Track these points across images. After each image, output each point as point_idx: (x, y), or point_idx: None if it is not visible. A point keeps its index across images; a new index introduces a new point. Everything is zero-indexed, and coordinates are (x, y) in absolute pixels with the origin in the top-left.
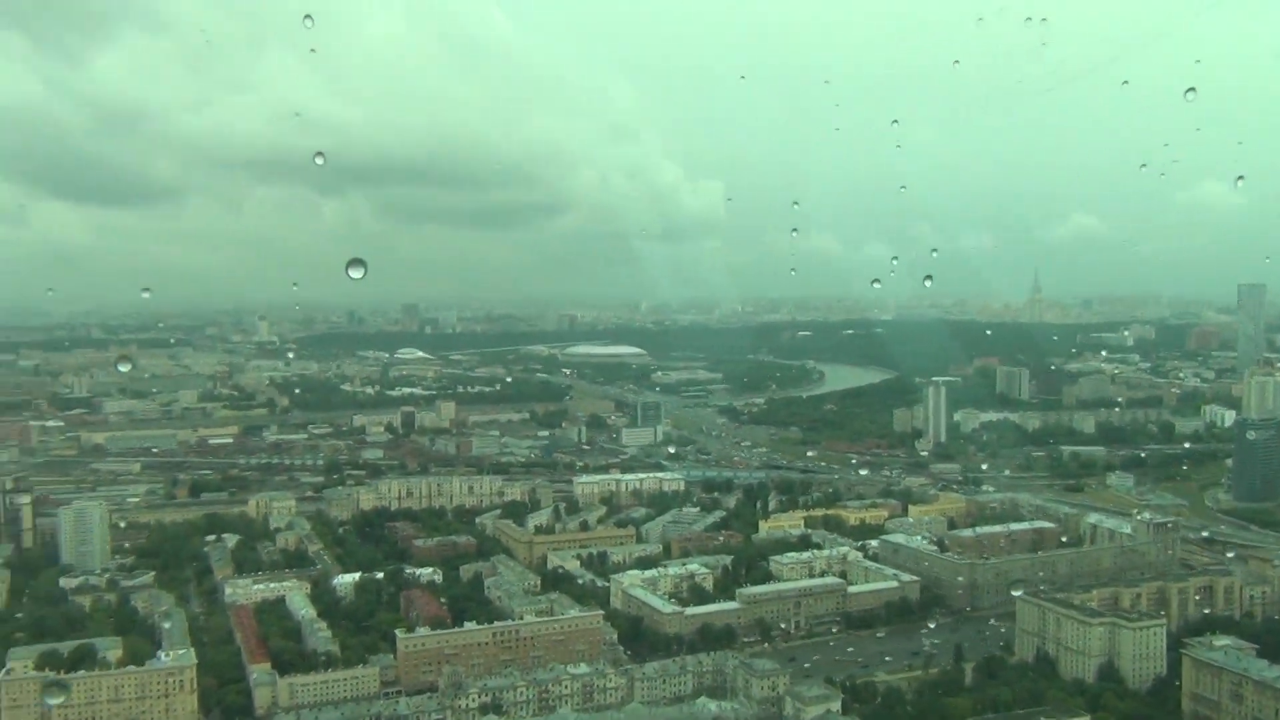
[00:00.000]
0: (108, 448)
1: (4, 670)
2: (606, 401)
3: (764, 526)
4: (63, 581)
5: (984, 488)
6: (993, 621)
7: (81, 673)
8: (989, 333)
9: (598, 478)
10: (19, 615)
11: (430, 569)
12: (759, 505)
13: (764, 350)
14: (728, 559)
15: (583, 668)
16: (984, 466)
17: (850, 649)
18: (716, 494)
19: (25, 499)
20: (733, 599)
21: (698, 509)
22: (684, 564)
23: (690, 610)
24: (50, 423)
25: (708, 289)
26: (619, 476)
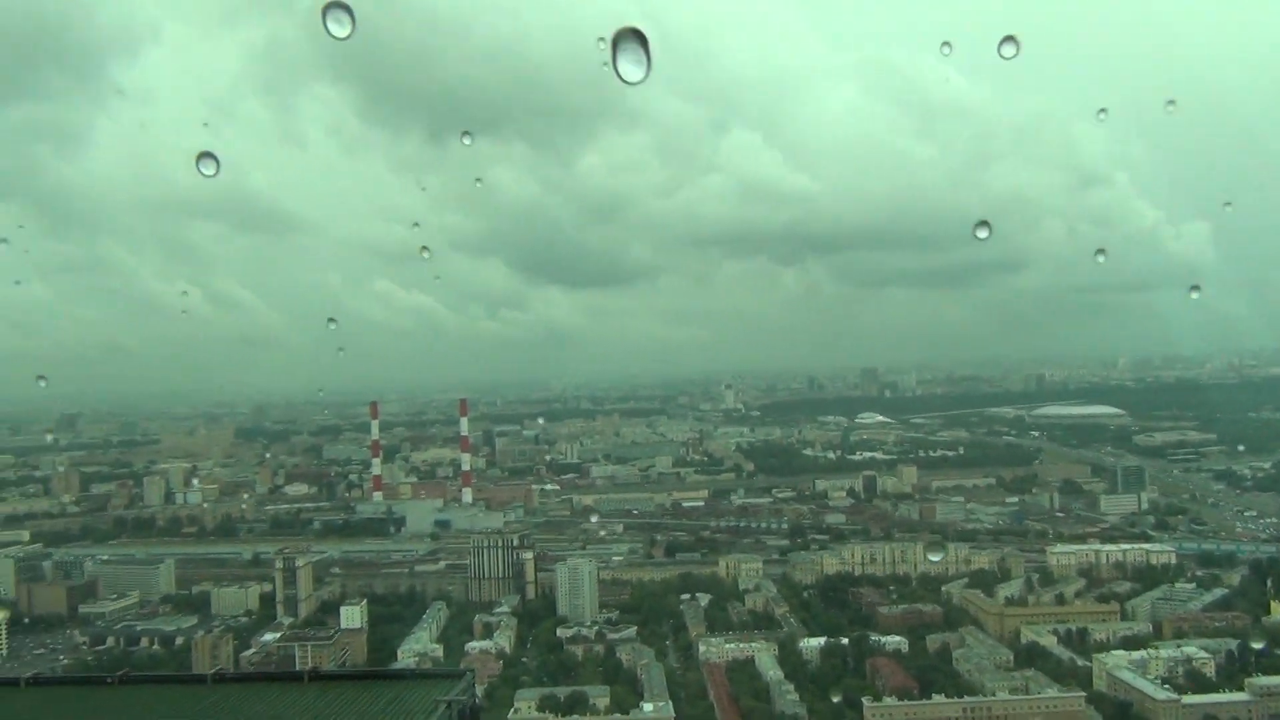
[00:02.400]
0: (595, 509)
1: (513, 710)
2: (1081, 465)
3: (1277, 608)
4: (559, 631)
5: None
6: None
7: (575, 717)
8: None
9: (1074, 547)
10: (524, 660)
11: (896, 637)
12: (1270, 583)
13: (1269, 408)
14: (1232, 643)
15: None
16: None
17: None
18: (1215, 569)
19: (529, 554)
20: (1240, 689)
21: (1193, 585)
22: (1178, 646)
23: (1188, 699)
24: (548, 486)
25: (1196, 342)
26: (1098, 547)
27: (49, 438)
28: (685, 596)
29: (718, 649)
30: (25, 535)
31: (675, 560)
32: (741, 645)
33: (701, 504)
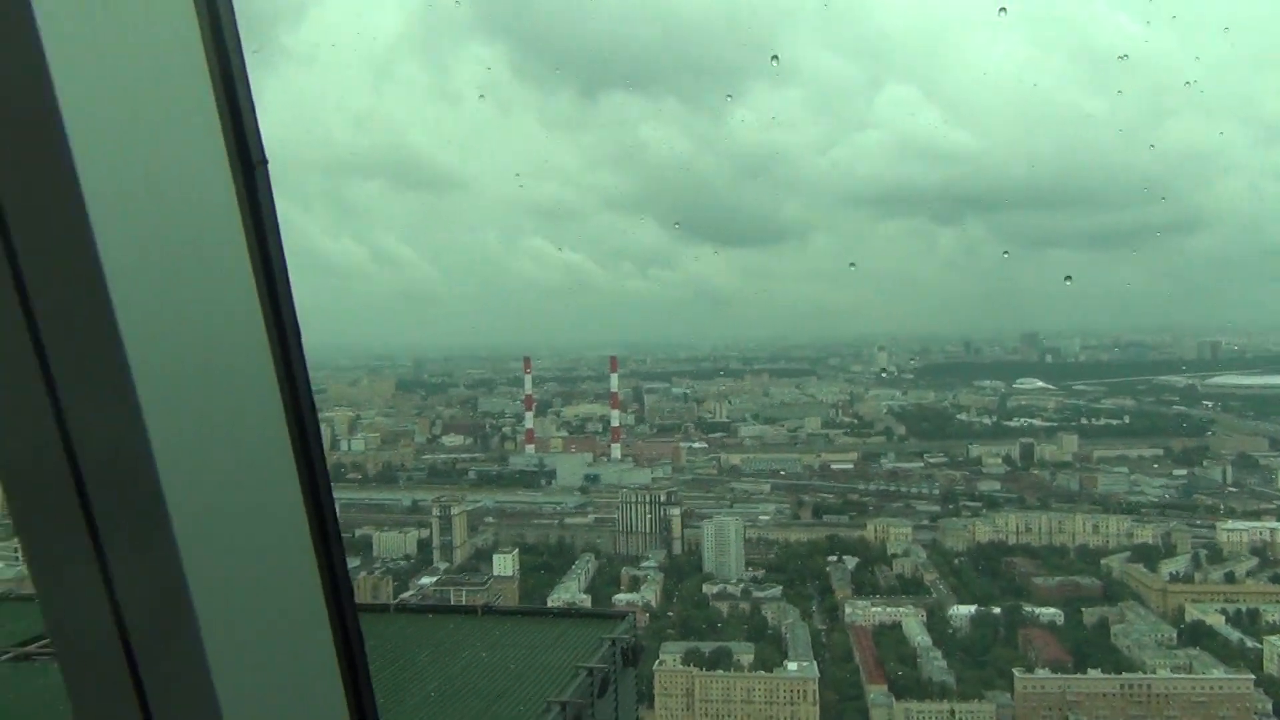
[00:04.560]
0: (742, 469)
1: (657, 662)
2: (1258, 438)
3: None
4: (705, 587)
5: None
6: None
7: (719, 671)
8: None
9: (1247, 524)
10: (670, 614)
11: (1051, 609)
12: None
13: None
14: None
15: None
16: None
17: None
18: None
19: (676, 511)
20: None
21: None
22: None
23: None
24: (696, 444)
25: None
26: (1275, 525)
27: None
28: (832, 558)
29: (864, 612)
30: None
31: (822, 522)
32: (889, 609)
33: (850, 466)
